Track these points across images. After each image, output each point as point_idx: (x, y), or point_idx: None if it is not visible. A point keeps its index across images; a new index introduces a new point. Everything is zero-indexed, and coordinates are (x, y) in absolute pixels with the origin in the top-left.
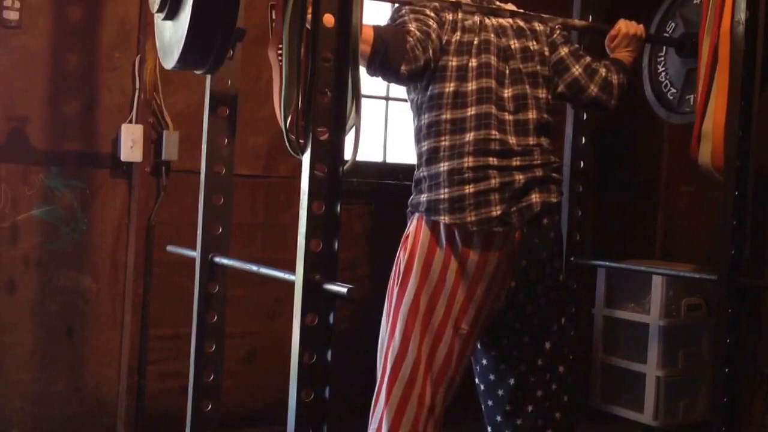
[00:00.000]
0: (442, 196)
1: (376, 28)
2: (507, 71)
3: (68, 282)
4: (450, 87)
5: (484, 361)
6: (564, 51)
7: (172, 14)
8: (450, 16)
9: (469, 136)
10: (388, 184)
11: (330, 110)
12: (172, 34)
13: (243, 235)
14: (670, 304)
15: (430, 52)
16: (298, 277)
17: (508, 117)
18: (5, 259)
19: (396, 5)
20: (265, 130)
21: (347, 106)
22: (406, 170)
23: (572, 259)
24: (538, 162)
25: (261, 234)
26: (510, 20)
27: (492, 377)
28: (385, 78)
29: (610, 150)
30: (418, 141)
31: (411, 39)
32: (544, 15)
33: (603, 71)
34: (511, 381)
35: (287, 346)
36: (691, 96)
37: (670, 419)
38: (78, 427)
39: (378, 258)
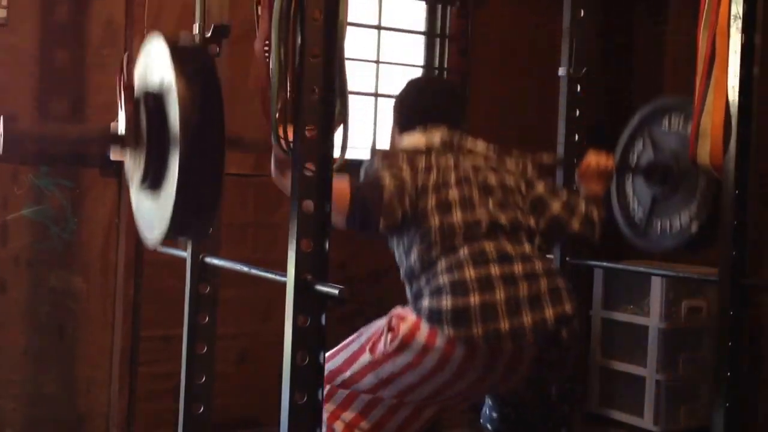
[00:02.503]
0: (444, 305)
1: (353, 185)
2: (490, 203)
3: (59, 282)
4: (435, 222)
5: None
6: (540, 188)
7: (155, 186)
8: (423, 161)
9: (464, 252)
10: None
11: (318, 107)
12: (152, 207)
13: (233, 234)
14: (670, 305)
15: (407, 203)
16: (289, 278)
17: (501, 235)
18: None
19: (369, 158)
20: (253, 128)
21: (335, 103)
22: None
23: (567, 259)
24: (540, 270)
25: (251, 234)
26: (483, 159)
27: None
28: (362, 232)
29: (608, 148)
30: (410, 280)
31: (386, 194)
32: (514, 151)
33: (582, 207)
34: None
35: (279, 348)
36: (658, 223)
37: (670, 424)
38: (70, 427)
39: (368, 257)
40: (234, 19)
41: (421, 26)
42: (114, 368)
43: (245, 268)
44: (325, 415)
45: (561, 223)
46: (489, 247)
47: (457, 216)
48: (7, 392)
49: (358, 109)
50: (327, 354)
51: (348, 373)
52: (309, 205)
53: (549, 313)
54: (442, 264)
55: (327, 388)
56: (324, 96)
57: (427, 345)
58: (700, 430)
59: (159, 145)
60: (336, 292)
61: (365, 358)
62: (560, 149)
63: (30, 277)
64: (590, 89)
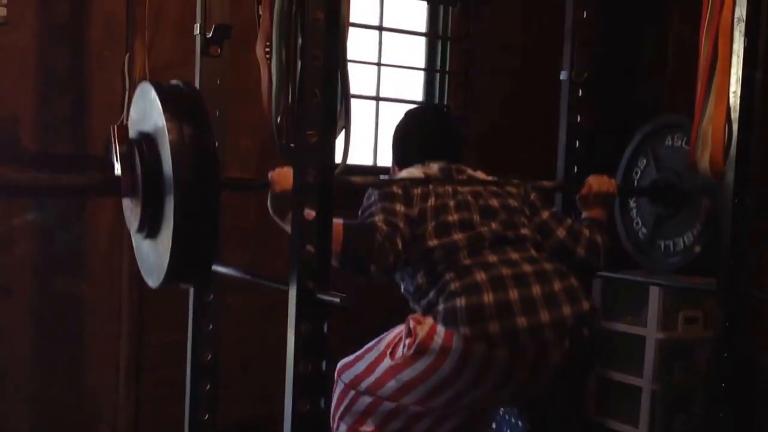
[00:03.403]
0: (458, 305)
1: (345, 227)
2: (492, 225)
3: (64, 288)
4: (435, 243)
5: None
6: (545, 214)
7: (152, 235)
8: (420, 189)
9: (469, 262)
10: None
11: (319, 112)
12: (153, 254)
13: (236, 242)
14: (667, 316)
15: (399, 245)
16: (291, 286)
17: (506, 246)
18: (1, 265)
19: (367, 193)
20: (255, 131)
21: (336, 108)
22: None
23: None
24: (551, 269)
25: (253, 239)
26: (482, 186)
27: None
28: (356, 276)
29: (607, 155)
30: (420, 299)
31: (379, 236)
32: (514, 180)
33: (587, 232)
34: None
35: (283, 355)
36: (662, 242)
37: None
38: None
39: None
40: (235, 20)
41: (423, 27)
42: (120, 374)
43: (248, 276)
44: (344, 428)
45: (566, 249)
46: (493, 258)
47: (458, 235)
48: (14, 397)
49: (359, 113)
50: (347, 360)
51: (371, 378)
52: (310, 212)
53: (567, 311)
54: (450, 275)
55: (351, 394)
56: (325, 100)
57: (445, 346)
58: None
59: (154, 194)
60: (338, 300)
61: (386, 363)
62: (561, 154)
63: (36, 283)
64: (591, 93)
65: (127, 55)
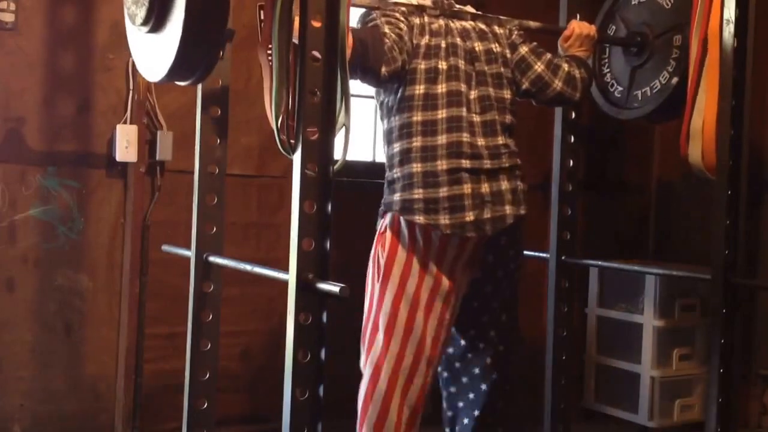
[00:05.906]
0: (416, 196)
1: (354, 31)
2: (474, 73)
3: (66, 281)
4: (420, 89)
5: (451, 350)
6: (524, 49)
7: (157, 28)
8: (417, 20)
9: (442, 139)
10: (377, 183)
11: (320, 110)
12: (155, 48)
13: (236, 234)
14: (663, 304)
15: (405, 54)
16: (291, 277)
17: (476, 119)
18: (4, 258)
19: (365, 10)
20: (257, 129)
21: (336, 106)
22: None
23: (563, 258)
24: (506, 165)
25: (254, 233)
26: (471, 23)
27: (458, 365)
28: (364, 80)
29: (602, 149)
30: (389, 142)
31: (388, 41)
32: (502, 17)
33: (566, 66)
34: (476, 370)
35: (282, 345)
36: (639, 92)
37: (665, 420)
38: (76, 423)
39: (368, 256)
40: (237, 24)
41: None
42: (120, 365)
43: (248, 267)
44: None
45: (544, 82)
46: (464, 146)
47: (442, 87)
48: (15, 389)
49: (358, 111)
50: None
51: (383, 311)
52: (310, 205)
53: (509, 211)
54: (417, 150)
55: (381, 375)
56: (325, 99)
57: (410, 228)
58: (694, 425)
59: None
60: (337, 290)
61: (377, 289)
62: (556, 150)
63: (37, 275)
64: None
65: (131, 57)
